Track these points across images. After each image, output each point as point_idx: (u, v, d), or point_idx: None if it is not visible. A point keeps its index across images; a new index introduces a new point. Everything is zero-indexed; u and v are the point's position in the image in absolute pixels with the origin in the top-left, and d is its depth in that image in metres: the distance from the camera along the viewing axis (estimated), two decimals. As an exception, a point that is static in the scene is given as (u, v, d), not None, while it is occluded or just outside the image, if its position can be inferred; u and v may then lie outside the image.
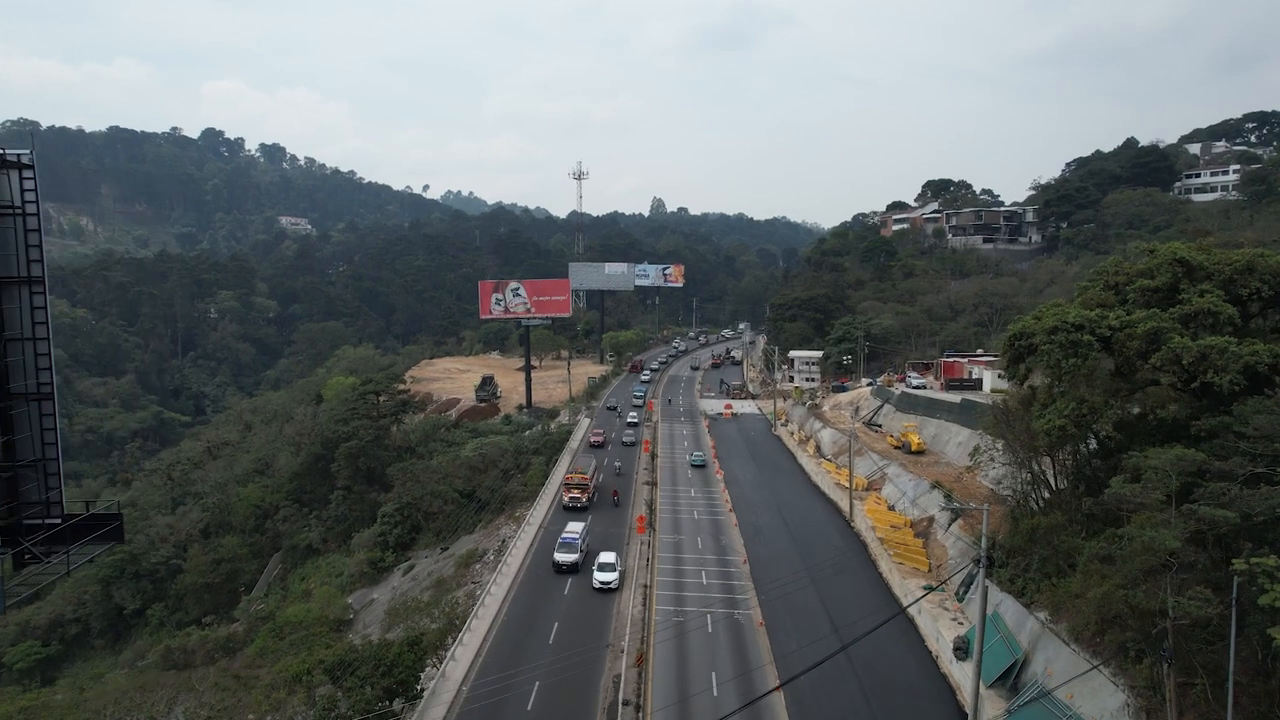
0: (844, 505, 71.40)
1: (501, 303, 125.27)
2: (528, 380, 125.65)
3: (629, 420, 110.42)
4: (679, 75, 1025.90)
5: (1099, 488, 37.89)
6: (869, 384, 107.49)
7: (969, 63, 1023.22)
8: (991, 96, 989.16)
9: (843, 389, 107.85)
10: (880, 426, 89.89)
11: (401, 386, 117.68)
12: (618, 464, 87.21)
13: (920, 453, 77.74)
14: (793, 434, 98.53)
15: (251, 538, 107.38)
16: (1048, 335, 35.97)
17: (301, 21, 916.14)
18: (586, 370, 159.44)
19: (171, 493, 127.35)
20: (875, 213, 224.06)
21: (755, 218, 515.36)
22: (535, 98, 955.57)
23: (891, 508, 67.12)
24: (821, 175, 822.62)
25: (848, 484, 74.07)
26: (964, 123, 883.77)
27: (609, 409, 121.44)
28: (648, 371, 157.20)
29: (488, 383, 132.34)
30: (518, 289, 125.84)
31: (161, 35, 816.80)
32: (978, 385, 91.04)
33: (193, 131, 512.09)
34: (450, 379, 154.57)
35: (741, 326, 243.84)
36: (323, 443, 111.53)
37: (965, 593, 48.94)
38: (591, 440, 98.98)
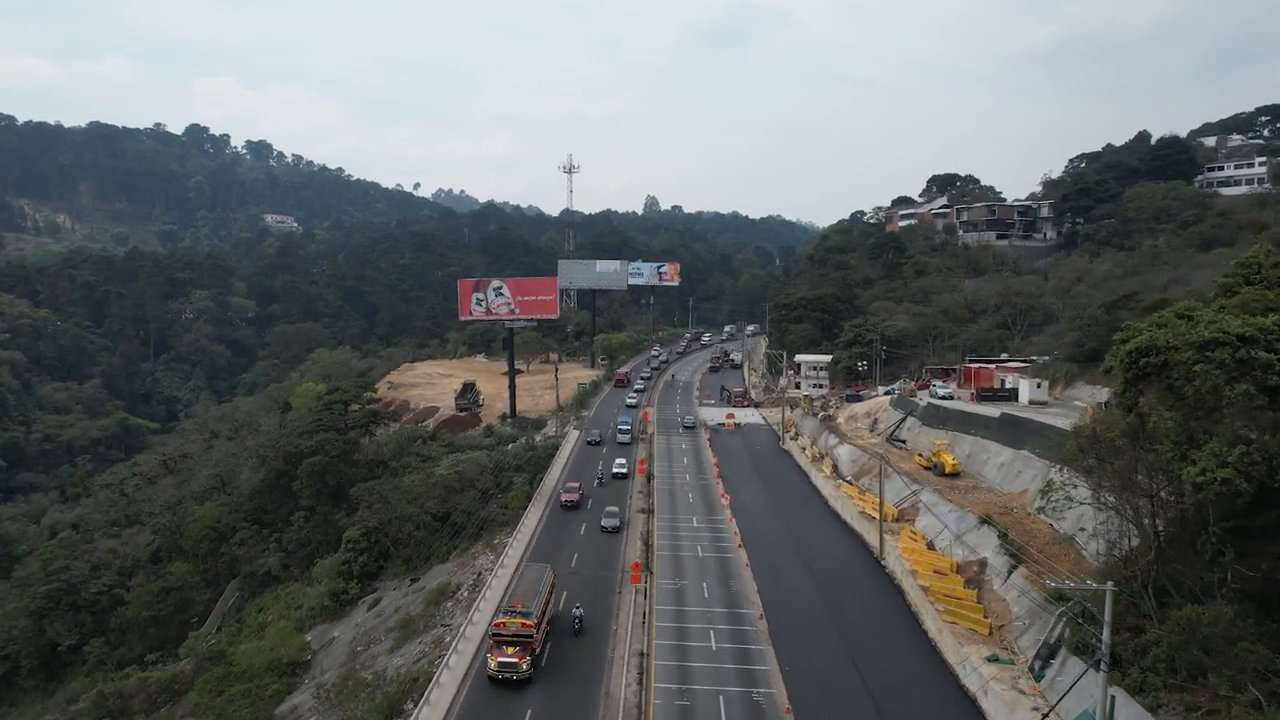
0: (871, 539, 61.51)
1: (483, 303, 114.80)
2: (512, 387, 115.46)
3: (615, 471, 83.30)
4: (673, 74, 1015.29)
5: (1251, 552, 27.98)
6: (887, 393, 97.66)
7: (965, 62, 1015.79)
8: (988, 95, 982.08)
9: (858, 398, 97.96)
10: (905, 442, 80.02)
11: (373, 395, 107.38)
12: (578, 610, 49.02)
13: (955, 475, 67.89)
14: (804, 450, 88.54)
15: (205, 563, 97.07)
16: (1198, 352, 26.20)
17: (300, 21, 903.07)
18: (576, 375, 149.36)
19: (126, 510, 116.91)
20: (880, 208, 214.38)
21: (750, 216, 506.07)
22: (529, 96, 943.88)
23: (930, 545, 57.21)
24: (816, 174, 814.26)
25: (875, 513, 64.15)
26: (960, 122, 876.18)
27: (590, 443, 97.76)
28: (634, 392, 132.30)
29: (469, 390, 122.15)
30: (500, 288, 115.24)
31: (160, 34, 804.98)
32: (1012, 396, 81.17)
33: (177, 128, 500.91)
34: (431, 385, 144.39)
35: (727, 329, 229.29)
36: (285, 457, 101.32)
37: (1043, 668, 39.02)
38: (563, 499, 74.00)
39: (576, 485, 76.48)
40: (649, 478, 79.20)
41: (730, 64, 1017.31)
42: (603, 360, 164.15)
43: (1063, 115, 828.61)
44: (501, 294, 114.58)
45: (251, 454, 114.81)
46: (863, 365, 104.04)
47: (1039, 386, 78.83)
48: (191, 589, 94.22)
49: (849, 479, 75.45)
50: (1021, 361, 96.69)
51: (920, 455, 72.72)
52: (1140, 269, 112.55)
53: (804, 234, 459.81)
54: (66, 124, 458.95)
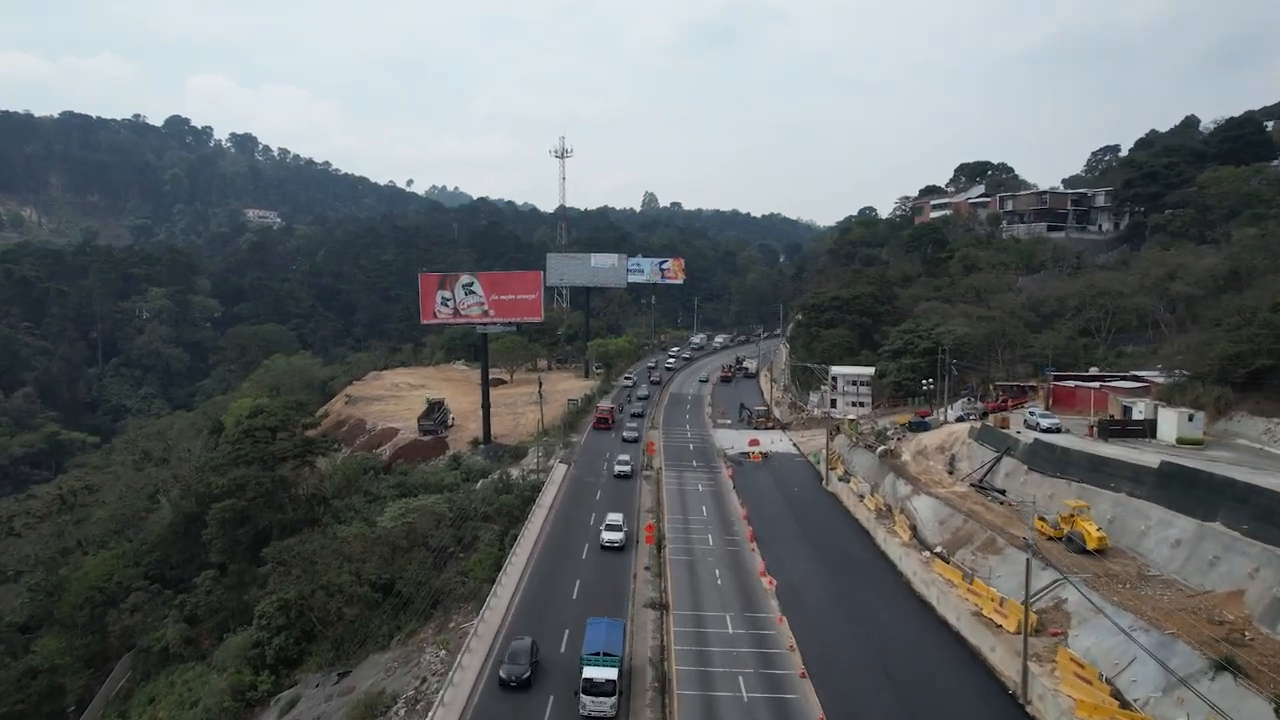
0: (1000, 662, 40.67)
1: (450, 303, 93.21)
2: (485, 407, 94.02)
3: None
4: (670, 72, 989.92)
5: None
6: (959, 418, 76.62)
7: (966, 60, 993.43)
8: (989, 93, 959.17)
9: (924, 426, 76.77)
10: (1004, 493, 58.91)
11: (310, 419, 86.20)
12: None
13: (1100, 552, 46.93)
14: (862, 498, 67.22)
15: (86, 636, 75.71)
16: None
17: (296, 20, 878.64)
18: (568, 386, 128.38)
19: (14, 556, 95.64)
20: (908, 198, 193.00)
21: (751, 214, 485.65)
22: (525, 95, 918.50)
23: (1112, 687, 36.06)
24: (816, 172, 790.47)
25: (998, 616, 43.25)
26: (962, 120, 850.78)
27: (515, 648, 43.61)
28: (630, 429, 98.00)
29: (436, 409, 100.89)
30: (471, 284, 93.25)
31: (157, 31, 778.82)
32: (1146, 430, 60.22)
33: (158, 121, 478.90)
34: (397, 398, 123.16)
35: (698, 339, 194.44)
36: (198, 498, 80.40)
37: None
38: None
39: None
40: (659, 545, 57.81)
41: (727, 62, 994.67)
42: (598, 369, 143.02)
43: (1063, 113, 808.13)
44: (473, 291, 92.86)
45: (169, 487, 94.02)
46: (928, 382, 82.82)
47: (1191, 419, 57.89)
48: (65, 671, 73.14)
49: (939, 550, 54.17)
50: (1125, 379, 75.84)
51: (1044, 520, 51.46)
52: (1258, 263, 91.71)
53: (806, 232, 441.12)
54: (37, 113, 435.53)
